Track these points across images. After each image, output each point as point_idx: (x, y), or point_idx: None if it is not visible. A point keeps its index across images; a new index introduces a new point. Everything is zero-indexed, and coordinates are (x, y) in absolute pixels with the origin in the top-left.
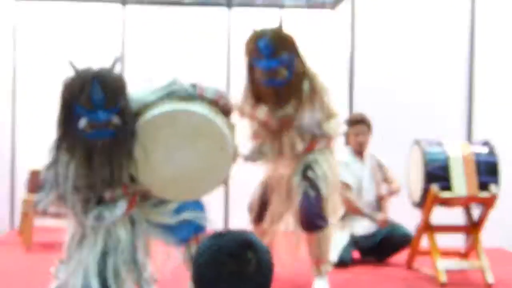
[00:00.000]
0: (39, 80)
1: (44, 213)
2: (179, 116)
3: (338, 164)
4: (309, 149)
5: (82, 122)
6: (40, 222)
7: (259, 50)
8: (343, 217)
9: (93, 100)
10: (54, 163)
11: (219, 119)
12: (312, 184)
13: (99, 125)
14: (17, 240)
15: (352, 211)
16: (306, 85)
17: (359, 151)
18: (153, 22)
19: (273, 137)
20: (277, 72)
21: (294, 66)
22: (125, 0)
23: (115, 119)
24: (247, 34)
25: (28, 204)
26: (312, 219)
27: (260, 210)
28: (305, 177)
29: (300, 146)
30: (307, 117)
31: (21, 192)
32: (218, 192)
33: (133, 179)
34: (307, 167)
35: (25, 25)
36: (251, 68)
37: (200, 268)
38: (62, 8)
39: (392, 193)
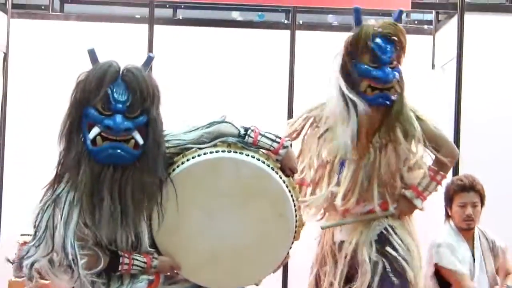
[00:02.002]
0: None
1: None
2: (224, 166)
3: (441, 247)
4: (384, 208)
5: (94, 131)
6: None
7: (375, 52)
8: None
9: (113, 101)
10: (51, 200)
11: (278, 175)
12: (393, 265)
13: (115, 137)
14: None
15: None
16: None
17: (466, 229)
18: (189, 46)
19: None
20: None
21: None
22: (153, 19)
23: (138, 135)
24: (312, 60)
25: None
26: None
27: None
28: (381, 252)
29: (375, 201)
30: (399, 160)
31: (7, 270)
32: (273, 278)
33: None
34: (383, 238)
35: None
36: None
37: None
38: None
39: None
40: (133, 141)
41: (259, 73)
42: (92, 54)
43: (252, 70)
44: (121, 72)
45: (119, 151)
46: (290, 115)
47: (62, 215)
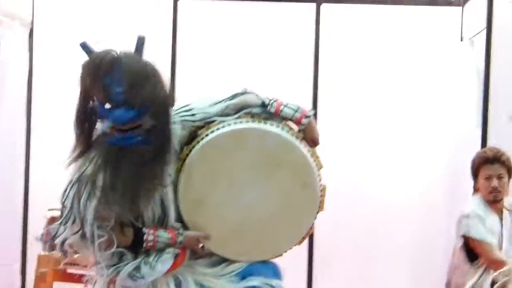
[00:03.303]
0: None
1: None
2: (249, 137)
3: (469, 218)
4: None
5: (105, 124)
6: (61, 286)
7: None
8: None
9: (112, 94)
10: (76, 179)
11: (302, 145)
12: None
13: (125, 127)
14: None
15: None
16: None
17: (493, 201)
18: (213, 21)
19: None
20: None
21: None
22: None
23: (146, 121)
24: (338, 34)
25: (45, 262)
26: None
27: None
28: None
29: None
30: None
31: (37, 246)
32: (298, 251)
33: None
34: None
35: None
36: None
37: None
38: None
39: None
40: (143, 127)
41: (284, 47)
42: (85, 47)
43: (277, 44)
44: (115, 61)
45: (128, 140)
46: (315, 90)
47: (83, 194)
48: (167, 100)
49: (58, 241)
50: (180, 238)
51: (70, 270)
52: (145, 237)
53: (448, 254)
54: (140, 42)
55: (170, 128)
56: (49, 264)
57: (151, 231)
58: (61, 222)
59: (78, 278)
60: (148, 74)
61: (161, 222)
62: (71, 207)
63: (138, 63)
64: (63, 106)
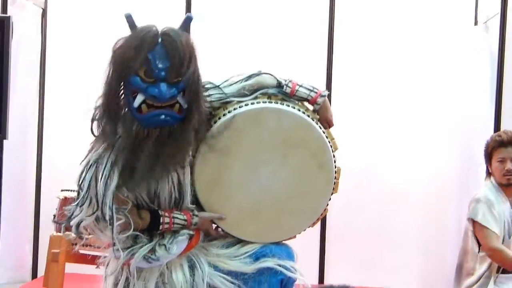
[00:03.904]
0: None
1: (80, 242)
2: (266, 117)
3: (479, 202)
4: None
5: (138, 99)
6: (74, 268)
7: None
8: (490, 276)
9: (155, 69)
10: (93, 160)
11: (318, 126)
12: None
13: (160, 104)
14: None
15: (508, 266)
16: None
17: (506, 185)
18: (227, 5)
19: None
20: None
21: None
22: None
23: (181, 100)
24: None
25: (57, 243)
26: None
27: None
28: None
29: None
30: None
31: (48, 226)
32: (311, 233)
33: (197, 204)
34: None
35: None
36: None
37: None
38: None
39: None
40: (177, 105)
41: (299, 28)
42: (129, 19)
43: (291, 25)
44: (162, 35)
45: (164, 117)
46: (329, 73)
47: (102, 175)
48: (201, 81)
49: (73, 222)
50: (195, 220)
51: (83, 251)
52: (161, 219)
53: (460, 238)
54: (188, 21)
55: (201, 110)
56: (61, 245)
57: (167, 214)
58: (77, 204)
59: (90, 260)
60: (191, 53)
61: (177, 204)
62: (88, 189)
63: (183, 41)
64: (76, 87)
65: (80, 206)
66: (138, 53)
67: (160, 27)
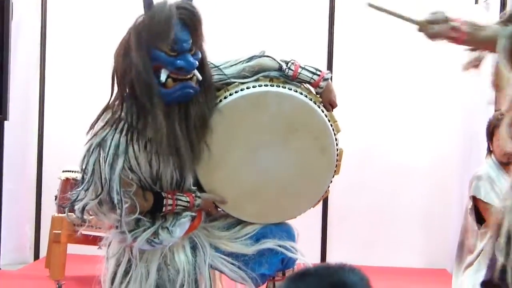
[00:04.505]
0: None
1: (83, 225)
2: (268, 100)
3: (481, 180)
4: None
5: (164, 74)
6: (75, 249)
7: None
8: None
9: (179, 41)
10: (96, 144)
11: (320, 109)
12: None
13: (185, 76)
14: (45, 273)
15: None
16: None
17: (506, 163)
18: None
19: None
20: None
21: None
22: None
23: (197, 72)
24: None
25: (59, 224)
26: None
27: None
28: None
29: None
30: None
31: (50, 207)
32: (313, 213)
33: (199, 186)
34: None
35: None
36: None
37: None
38: None
39: None
40: (195, 77)
41: (300, 10)
42: None
43: (293, 7)
44: (179, 9)
45: (189, 90)
46: (330, 54)
47: (107, 159)
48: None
49: (78, 206)
50: (198, 201)
51: (85, 232)
52: (164, 201)
53: (461, 217)
54: None
55: (212, 82)
56: (63, 226)
57: (170, 195)
58: (82, 188)
59: (92, 240)
60: (202, 22)
61: (179, 185)
62: (92, 173)
63: (197, 13)
64: (77, 67)
65: (85, 191)
66: (169, 27)
67: (172, 1)
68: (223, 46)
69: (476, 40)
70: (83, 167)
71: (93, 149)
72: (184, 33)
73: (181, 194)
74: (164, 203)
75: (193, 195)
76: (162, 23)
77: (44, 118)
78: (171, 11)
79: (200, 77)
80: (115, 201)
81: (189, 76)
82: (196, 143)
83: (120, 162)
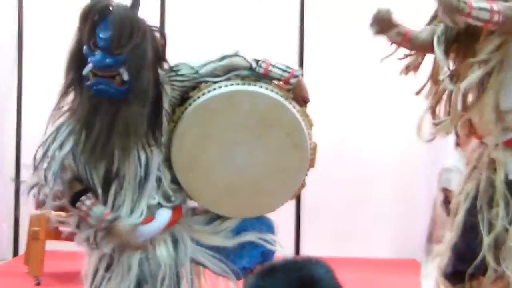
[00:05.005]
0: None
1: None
2: (240, 99)
3: (451, 172)
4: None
5: (88, 68)
6: (54, 245)
7: None
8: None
9: (97, 39)
10: (56, 128)
11: (292, 105)
12: None
13: (102, 73)
14: (23, 269)
15: None
16: None
17: None
18: None
19: None
20: None
21: None
22: None
23: (123, 72)
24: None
25: (37, 221)
26: None
27: None
28: None
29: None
30: None
31: (28, 205)
32: (288, 207)
33: (178, 183)
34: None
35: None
36: None
37: None
38: None
39: None
40: (118, 77)
41: (271, 10)
42: None
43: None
44: (108, 8)
45: (101, 86)
46: (301, 50)
47: (58, 140)
48: (147, 57)
49: (35, 191)
50: (110, 218)
51: (62, 228)
52: (78, 203)
53: (430, 209)
54: (136, 0)
55: (145, 86)
56: (41, 223)
57: (88, 202)
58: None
59: (70, 237)
60: (134, 28)
61: (141, 185)
62: (44, 154)
63: (128, 16)
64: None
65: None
66: (86, 22)
67: (114, 2)
68: (199, 46)
69: (416, 43)
70: (43, 151)
71: (51, 133)
72: (106, 32)
73: (101, 207)
74: (77, 205)
75: (109, 213)
76: (81, 19)
77: (22, 115)
78: (92, 8)
79: (125, 78)
80: (48, 178)
81: (106, 74)
82: (111, 144)
83: (68, 146)
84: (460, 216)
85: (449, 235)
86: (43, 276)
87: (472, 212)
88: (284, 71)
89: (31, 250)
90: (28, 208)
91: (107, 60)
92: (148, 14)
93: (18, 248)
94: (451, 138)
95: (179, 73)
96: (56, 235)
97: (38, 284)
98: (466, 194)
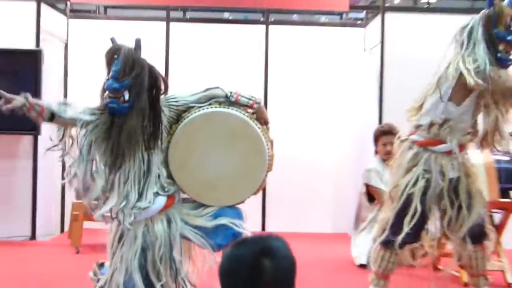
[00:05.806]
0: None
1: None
2: (216, 117)
3: (371, 172)
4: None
5: (106, 92)
6: (89, 224)
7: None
8: (375, 219)
9: (112, 71)
10: (90, 130)
11: (254, 123)
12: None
13: (112, 95)
14: (67, 242)
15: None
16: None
17: (387, 160)
18: (195, 38)
19: None
20: None
21: None
22: (169, 18)
23: (125, 94)
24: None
25: (77, 207)
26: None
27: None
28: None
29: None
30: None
31: (71, 195)
32: (255, 199)
33: (172, 179)
34: (466, 172)
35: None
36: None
37: (221, 277)
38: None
39: None
40: (122, 97)
41: (242, 57)
42: (112, 41)
43: (237, 54)
44: (119, 49)
45: (112, 104)
46: (266, 87)
47: (86, 140)
48: (144, 84)
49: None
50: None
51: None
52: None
53: (356, 197)
54: (137, 44)
55: (142, 105)
56: (80, 208)
57: (32, 101)
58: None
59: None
60: (135, 63)
61: (145, 177)
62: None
63: (131, 55)
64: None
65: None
66: (107, 60)
67: (125, 46)
68: (192, 79)
69: None
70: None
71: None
72: (116, 66)
73: (40, 104)
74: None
75: (46, 108)
76: (107, 56)
77: None
78: (111, 50)
79: (126, 97)
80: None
81: (115, 95)
82: (117, 147)
83: (92, 135)
84: (401, 202)
85: (383, 214)
86: (81, 247)
87: (411, 200)
88: (249, 99)
89: (72, 228)
90: (71, 196)
91: (115, 85)
92: (156, 56)
93: (64, 226)
94: (371, 148)
95: (175, 100)
96: (91, 217)
97: (78, 252)
98: (405, 185)
